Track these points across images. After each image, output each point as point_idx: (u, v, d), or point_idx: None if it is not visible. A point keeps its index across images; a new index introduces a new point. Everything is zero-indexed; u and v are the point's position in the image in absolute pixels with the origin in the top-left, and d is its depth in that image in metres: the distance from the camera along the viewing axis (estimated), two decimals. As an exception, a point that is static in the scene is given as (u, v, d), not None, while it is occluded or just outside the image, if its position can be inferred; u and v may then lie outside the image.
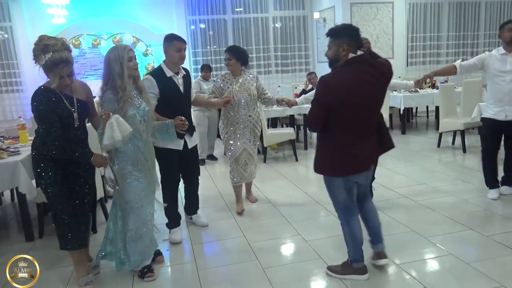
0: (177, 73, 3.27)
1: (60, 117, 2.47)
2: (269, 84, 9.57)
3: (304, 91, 7.24)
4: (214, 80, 7.43)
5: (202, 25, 9.32)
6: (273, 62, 9.81)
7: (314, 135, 7.28)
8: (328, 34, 2.47)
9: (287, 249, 3.26)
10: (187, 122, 2.96)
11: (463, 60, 4.03)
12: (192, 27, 9.23)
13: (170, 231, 3.47)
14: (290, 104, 3.98)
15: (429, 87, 7.58)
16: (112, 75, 2.54)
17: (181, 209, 3.73)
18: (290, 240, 3.38)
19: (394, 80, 3.70)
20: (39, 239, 3.66)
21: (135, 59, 2.67)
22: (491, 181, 4.04)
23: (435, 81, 7.50)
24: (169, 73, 3.22)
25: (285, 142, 6.38)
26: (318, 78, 2.62)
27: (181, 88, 3.29)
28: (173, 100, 3.21)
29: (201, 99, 3.78)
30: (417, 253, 2.99)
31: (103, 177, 2.90)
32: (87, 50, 8.54)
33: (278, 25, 9.70)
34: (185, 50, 3.24)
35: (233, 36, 9.47)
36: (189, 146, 3.38)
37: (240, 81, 3.85)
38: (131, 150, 2.63)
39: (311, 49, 9.92)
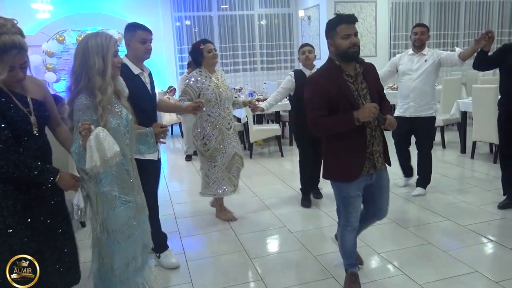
0: (142, 70, 2.77)
1: (11, 122, 1.82)
2: (254, 81, 9.66)
3: (289, 88, 7.35)
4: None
5: (188, 22, 9.34)
6: (258, 59, 9.89)
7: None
8: (354, 20, 2.23)
9: (274, 240, 3.37)
10: (167, 129, 2.54)
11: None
12: (178, 23, 9.24)
13: (160, 256, 2.95)
14: (255, 109, 3.82)
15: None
16: (90, 71, 1.86)
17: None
18: (276, 232, 3.48)
19: None
20: None
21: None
22: (404, 169, 4.40)
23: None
24: (135, 69, 2.69)
25: (271, 138, 6.49)
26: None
27: (149, 87, 2.79)
28: (143, 102, 2.64)
29: (168, 104, 3.40)
30: (398, 243, 3.13)
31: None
32: (71, 46, 8.47)
33: (263, 22, 9.79)
34: (151, 42, 2.73)
35: (219, 33, 9.51)
36: (160, 156, 2.83)
37: (219, 77, 3.53)
38: (116, 170, 1.99)
39: (296, 47, 10.01)
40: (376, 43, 9.10)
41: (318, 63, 8.60)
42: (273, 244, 3.32)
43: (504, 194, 3.77)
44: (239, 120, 6.53)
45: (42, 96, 2.01)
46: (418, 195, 4.08)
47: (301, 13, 9.43)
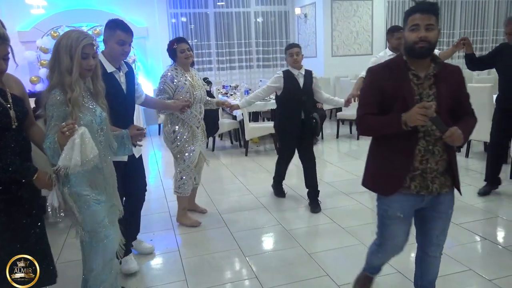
0: (119, 69, 2.63)
1: None
2: (250, 79, 9.65)
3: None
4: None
5: (184, 19, 9.30)
6: (254, 57, 9.87)
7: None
8: (432, 10, 1.80)
9: (268, 238, 3.37)
10: (144, 131, 2.35)
11: None
12: (173, 20, 9.20)
13: (121, 263, 2.72)
14: (232, 108, 3.96)
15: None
16: (59, 67, 1.89)
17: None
18: (271, 230, 3.48)
19: (327, 95, 4.05)
20: None
21: (94, 57, 1.97)
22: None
23: None
24: (110, 67, 2.56)
25: (266, 135, 6.48)
26: None
27: (124, 87, 2.65)
28: (115, 103, 2.42)
29: (156, 101, 3.29)
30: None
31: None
32: (66, 42, 8.42)
33: (260, 20, 9.77)
34: (130, 45, 2.63)
35: (215, 30, 9.49)
36: (136, 155, 2.75)
37: (193, 76, 3.45)
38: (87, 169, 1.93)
39: (292, 45, 10.03)
40: (372, 41, 9.11)
41: (314, 62, 8.59)
42: (267, 242, 3.31)
43: (485, 180, 4.07)
44: (234, 117, 6.52)
45: (20, 93, 2.01)
46: None
47: (297, 10, 9.43)
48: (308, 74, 3.85)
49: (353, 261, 2.87)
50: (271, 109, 6.66)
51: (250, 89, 7.64)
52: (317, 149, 6.40)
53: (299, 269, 2.81)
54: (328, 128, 7.84)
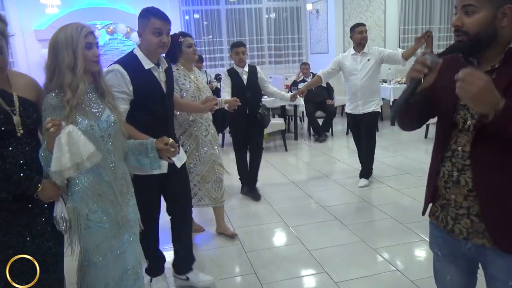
0: (158, 65, 2.27)
1: None
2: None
3: (295, 83, 7.34)
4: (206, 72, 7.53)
5: (197, 15, 9.35)
6: (266, 53, 9.88)
7: (305, 126, 7.40)
8: None
9: (270, 234, 3.40)
10: (175, 147, 1.89)
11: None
12: (187, 17, 9.27)
13: (151, 281, 2.56)
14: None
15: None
16: (59, 66, 1.68)
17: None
18: (273, 226, 3.51)
19: (274, 88, 4.16)
20: None
21: (97, 46, 1.76)
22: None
23: None
24: (147, 63, 2.20)
25: (276, 132, 6.49)
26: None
27: (163, 86, 2.29)
28: (153, 103, 2.23)
29: (187, 102, 2.83)
30: (395, 239, 3.13)
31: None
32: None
33: (272, 15, 9.75)
34: (167, 34, 2.23)
35: (227, 27, 9.52)
36: (178, 165, 2.38)
37: (197, 76, 3.08)
38: (89, 181, 1.73)
39: (304, 40, 10.00)
40: (384, 37, 9.00)
41: (325, 58, 8.52)
42: (269, 238, 3.34)
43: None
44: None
45: (34, 96, 1.78)
46: (364, 186, 4.31)
47: (309, 6, 9.38)
48: (253, 70, 3.98)
49: (353, 258, 2.89)
50: (280, 105, 6.68)
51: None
52: (326, 145, 6.39)
53: (299, 265, 2.83)
54: (340, 124, 7.80)
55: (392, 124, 1.70)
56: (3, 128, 1.62)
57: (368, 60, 4.10)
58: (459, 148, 1.31)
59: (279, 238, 3.31)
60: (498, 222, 1.26)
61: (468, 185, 1.30)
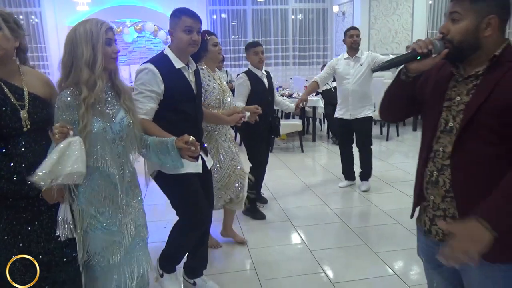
0: (188, 65, 2.28)
1: None
2: (285, 76, 9.71)
3: (316, 84, 7.33)
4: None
5: (224, 15, 9.49)
6: (291, 54, 9.91)
7: (325, 128, 7.38)
8: None
9: (274, 232, 3.44)
10: (196, 145, 1.83)
11: None
12: (214, 16, 9.42)
13: (162, 276, 2.45)
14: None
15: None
16: (77, 63, 1.61)
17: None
18: (279, 225, 3.56)
19: (280, 98, 4.10)
20: None
21: (115, 43, 1.72)
22: (345, 172, 4.49)
23: None
24: (178, 63, 2.21)
25: (294, 133, 6.53)
26: None
27: (193, 86, 2.28)
28: (184, 103, 2.23)
29: (212, 113, 2.69)
30: (398, 244, 3.12)
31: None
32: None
33: (299, 17, 9.77)
34: (199, 33, 2.23)
35: (252, 27, 9.61)
36: (208, 166, 2.43)
37: (220, 78, 2.98)
38: (97, 183, 1.69)
39: (330, 42, 9.97)
40: (411, 41, 8.84)
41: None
42: (273, 237, 3.38)
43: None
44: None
45: (46, 93, 1.76)
46: (366, 190, 4.28)
47: (335, 8, 9.34)
48: (268, 72, 3.70)
49: (353, 261, 2.90)
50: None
51: (280, 86, 7.70)
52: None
53: (298, 264, 2.87)
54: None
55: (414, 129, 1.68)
56: (12, 125, 1.59)
57: (361, 64, 4.07)
58: (441, 149, 1.34)
59: (284, 237, 3.35)
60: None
61: (446, 186, 1.32)
